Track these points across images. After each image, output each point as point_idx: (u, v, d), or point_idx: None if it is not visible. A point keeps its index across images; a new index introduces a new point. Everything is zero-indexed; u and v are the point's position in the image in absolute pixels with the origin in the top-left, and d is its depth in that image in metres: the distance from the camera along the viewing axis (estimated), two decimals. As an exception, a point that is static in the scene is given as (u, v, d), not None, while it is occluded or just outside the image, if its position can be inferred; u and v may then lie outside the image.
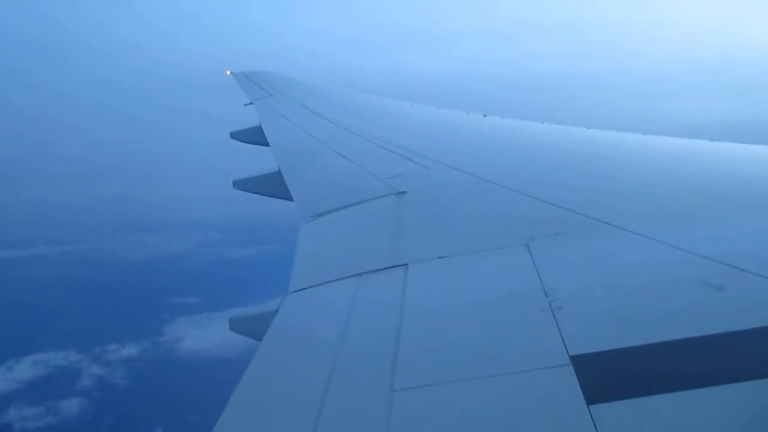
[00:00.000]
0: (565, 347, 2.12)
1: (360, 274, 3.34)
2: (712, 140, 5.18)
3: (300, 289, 3.39)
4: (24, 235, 52.17)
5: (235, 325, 3.58)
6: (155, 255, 49.10)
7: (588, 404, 1.80)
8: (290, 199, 5.64)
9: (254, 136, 9.36)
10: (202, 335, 32.21)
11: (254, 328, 3.20)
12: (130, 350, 31.41)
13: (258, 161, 8.24)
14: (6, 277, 42.50)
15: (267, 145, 8.35)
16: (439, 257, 3.37)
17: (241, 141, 9.84)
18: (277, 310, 3.13)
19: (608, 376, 1.97)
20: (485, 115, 8.28)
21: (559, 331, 2.24)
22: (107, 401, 27.05)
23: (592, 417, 1.74)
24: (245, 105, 12.35)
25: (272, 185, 6.38)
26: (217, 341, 30.05)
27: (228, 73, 16.42)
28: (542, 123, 7.28)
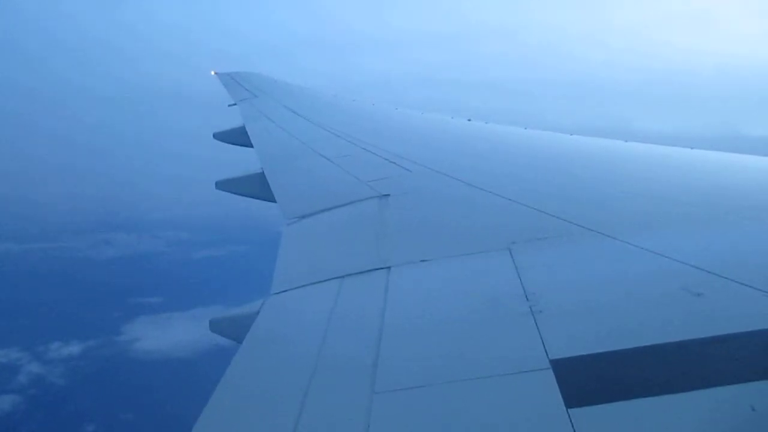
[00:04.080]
0: (546, 351, 2.14)
1: (342, 277, 3.33)
2: (692, 148, 5.28)
3: (282, 291, 3.37)
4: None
5: (216, 326, 3.55)
6: (124, 254, 48.14)
7: (567, 408, 1.82)
8: (273, 200, 5.60)
9: (238, 137, 9.31)
10: (161, 335, 31.59)
11: (235, 329, 3.17)
12: (82, 349, 30.62)
13: (241, 162, 8.20)
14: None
15: (251, 146, 8.30)
16: (422, 260, 3.38)
17: (225, 142, 9.77)
18: (258, 312, 3.11)
19: (588, 380, 1.99)
20: (469, 120, 8.36)
21: (540, 335, 2.26)
22: (45, 399, 26.40)
23: (571, 421, 1.76)
24: (229, 105, 12.29)
25: (255, 186, 6.33)
26: (175, 342, 29.55)
27: (213, 73, 16.33)
28: (526, 128, 7.34)
